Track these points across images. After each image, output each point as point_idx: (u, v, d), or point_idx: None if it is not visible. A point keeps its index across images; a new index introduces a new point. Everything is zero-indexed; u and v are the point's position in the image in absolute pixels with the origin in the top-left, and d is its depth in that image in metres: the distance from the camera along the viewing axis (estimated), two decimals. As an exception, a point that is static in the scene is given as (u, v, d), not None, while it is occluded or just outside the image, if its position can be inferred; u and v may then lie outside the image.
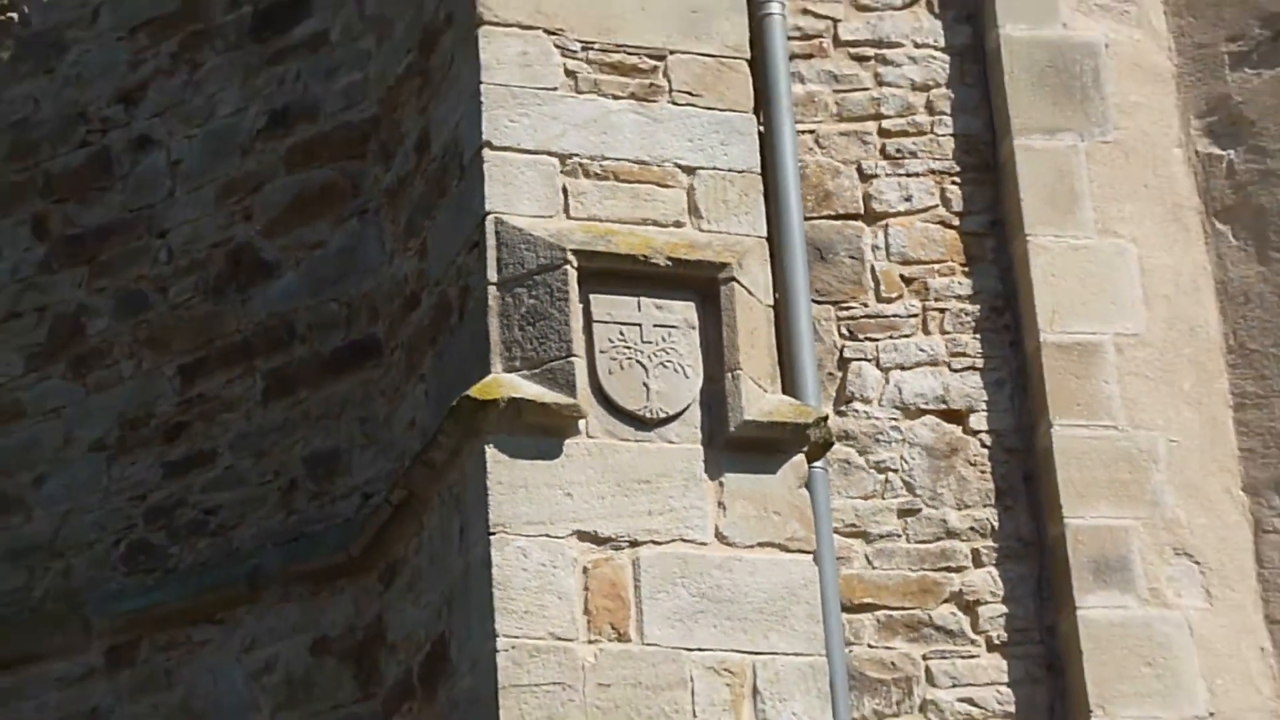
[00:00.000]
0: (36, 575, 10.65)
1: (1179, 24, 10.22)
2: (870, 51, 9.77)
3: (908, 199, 9.56)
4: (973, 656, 8.73)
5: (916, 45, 9.83)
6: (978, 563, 8.96)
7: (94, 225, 11.06)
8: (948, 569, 8.94)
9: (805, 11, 9.71)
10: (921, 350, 9.37)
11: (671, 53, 9.01)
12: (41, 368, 11.00)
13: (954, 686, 8.69)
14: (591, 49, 8.97)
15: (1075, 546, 8.82)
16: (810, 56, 9.65)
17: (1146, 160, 9.83)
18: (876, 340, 9.31)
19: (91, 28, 11.33)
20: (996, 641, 8.79)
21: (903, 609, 8.81)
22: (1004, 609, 8.89)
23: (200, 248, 10.76)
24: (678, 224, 8.73)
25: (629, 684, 7.92)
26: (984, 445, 9.22)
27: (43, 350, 10.99)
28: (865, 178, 9.57)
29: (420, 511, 8.82)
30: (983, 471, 9.16)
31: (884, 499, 9.07)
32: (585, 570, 8.06)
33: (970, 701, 8.66)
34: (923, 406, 9.27)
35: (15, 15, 11.72)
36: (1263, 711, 9.03)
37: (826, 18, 9.76)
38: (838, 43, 9.75)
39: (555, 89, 8.87)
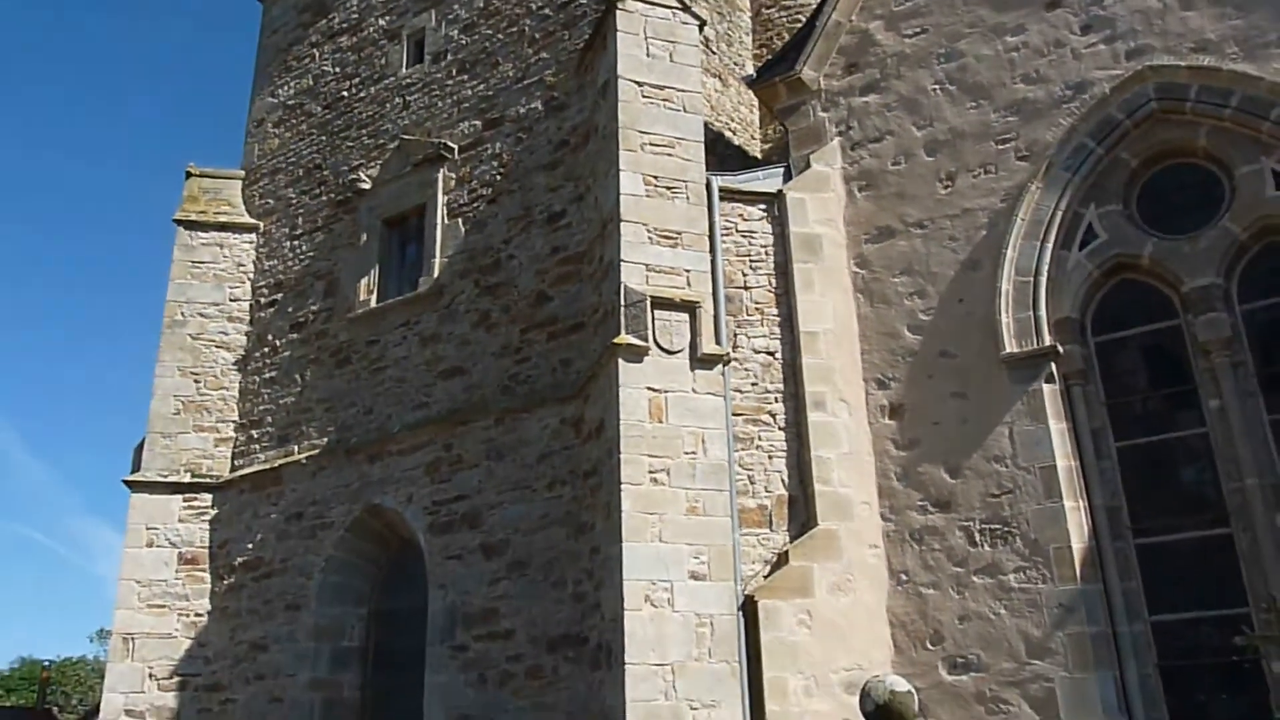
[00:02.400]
0: (471, 393, 11.49)
1: (847, 228, 10.70)
2: (746, 233, 10.52)
3: (759, 282, 10.36)
4: (773, 431, 9.90)
5: (762, 233, 10.54)
6: (777, 401, 9.98)
7: (494, 283, 11.79)
8: (767, 400, 9.99)
9: (727, 218, 10.44)
10: (759, 332, 10.19)
11: (683, 233, 9.98)
12: (475, 329, 11.70)
13: (770, 444, 9.85)
14: (657, 230, 9.91)
15: (811, 396, 9.85)
16: (729, 235, 10.43)
17: (834, 272, 10.50)
18: (745, 328, 10.19)
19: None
20: (781, 426, 9.91)
21: (752, 416, 9.90)
22: (784, 415, 9.94)
23: (528, 291, 11.49)
24: (683, 289, 9.77)
25: (665, 437, 9.17)
26: (780, 363, 10.10)
27: (477, 324, 11.73)
28: (743, 275, 10.36)
29: (599, 378, 9.88)
30: (781, 370, 10.07)
31: (745, 379, 10.03)
32: (649, 400, 9.27)
33: (772, 445, 9.84)
34: (759, 350, 10.16)
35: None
36: (869, 451, 9.99)
37: (736, 218, 10.51)
38: (737, 230, 10.50)
39: (644, 242, 9.82)
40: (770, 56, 13.16)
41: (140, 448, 13.37)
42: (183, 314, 13.88)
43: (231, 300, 14.20)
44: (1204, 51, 9.52)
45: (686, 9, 11.03)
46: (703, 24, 11.29)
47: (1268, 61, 9.22)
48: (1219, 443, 8.90)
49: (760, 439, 10.00)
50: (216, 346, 13.93)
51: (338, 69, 14.78)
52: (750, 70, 13.81)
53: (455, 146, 12.84)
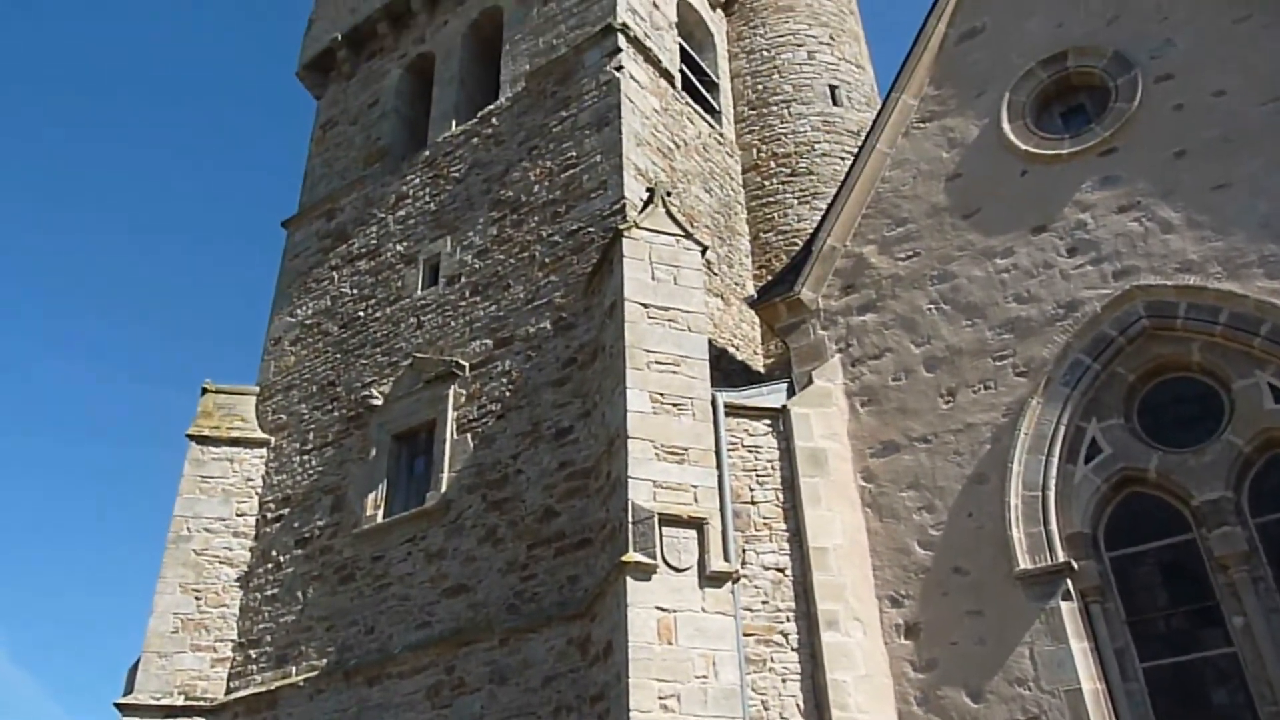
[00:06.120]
0: (475, 612, 11.02)
1: (851, 443, 10.45)
2: (752, 448, 10.08)
3: (766, 497, 9.92)
4: (786, 652, 9.21)
5: (768, 448, 10.16)
6: (789, 620, 9.34)
7: (501, 498, 11.42)
8: (779, 620, 9.30)
9: (733, 434, 10.11)
10: (768, 548, 9.62)
11: (690, 449, 9.66)
12: (481, 545, 11.28)
13: (783, 666, 9.22)
14: (664, 446, 9.56)
15: (823, 615, 9.24)
16: (735, 450, 10.04)
17: (841, 487, 10.17)
18: (754, 544, 9.65)
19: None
20: (794, 646, 9.24)
21: (763, 636, 9.22)
22: (797, 635, 9.29)
23: (535, 507, 11.07)
24: (691, 504, 9.50)
25: (675, 660, 8.53)
26: (791, 580, 9.45)
27: (483, 539, 11.35)
28: (750, 490, 9.92)
29: (606, 597, 9.46)
30: (791, 588, 9.44)
31: (755, 597, 9.36)
32: (658, 620, 8.81)
33: (786, 668, 9.20)
34: (769, 566, 9.59)
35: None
36: (886, 673, 9.32)
37: (742, 434, 10.11)
38: (743, 445, 10.08)
39: (651, 458, 9.50)
40: (770, 278, 13.36)
41: (135, 668, 12.71)
42: (188, 529, 13.59)
43: (238, 515, 13.91)
44: (1189, 271, 9.63)
45: (689, 235, 11.32)
46: (704, 249, 11.52)
47: (1251, 280, 9.30)
48: (1248, 662, 8.38)
49: (773, 661, 9.40)
50: (220, 562, 13.56)
51: (355, 290, 15.06)
52: (750, 290, 14.05)
53: (466, 364, 12.89)
